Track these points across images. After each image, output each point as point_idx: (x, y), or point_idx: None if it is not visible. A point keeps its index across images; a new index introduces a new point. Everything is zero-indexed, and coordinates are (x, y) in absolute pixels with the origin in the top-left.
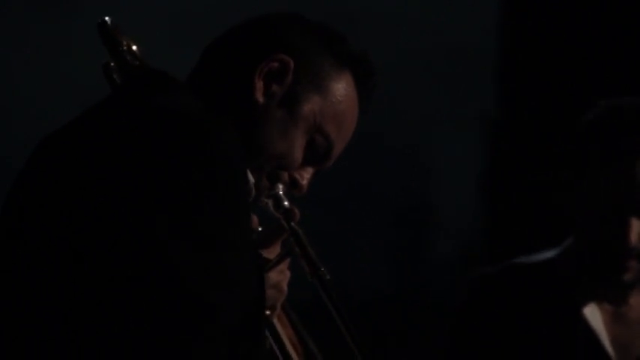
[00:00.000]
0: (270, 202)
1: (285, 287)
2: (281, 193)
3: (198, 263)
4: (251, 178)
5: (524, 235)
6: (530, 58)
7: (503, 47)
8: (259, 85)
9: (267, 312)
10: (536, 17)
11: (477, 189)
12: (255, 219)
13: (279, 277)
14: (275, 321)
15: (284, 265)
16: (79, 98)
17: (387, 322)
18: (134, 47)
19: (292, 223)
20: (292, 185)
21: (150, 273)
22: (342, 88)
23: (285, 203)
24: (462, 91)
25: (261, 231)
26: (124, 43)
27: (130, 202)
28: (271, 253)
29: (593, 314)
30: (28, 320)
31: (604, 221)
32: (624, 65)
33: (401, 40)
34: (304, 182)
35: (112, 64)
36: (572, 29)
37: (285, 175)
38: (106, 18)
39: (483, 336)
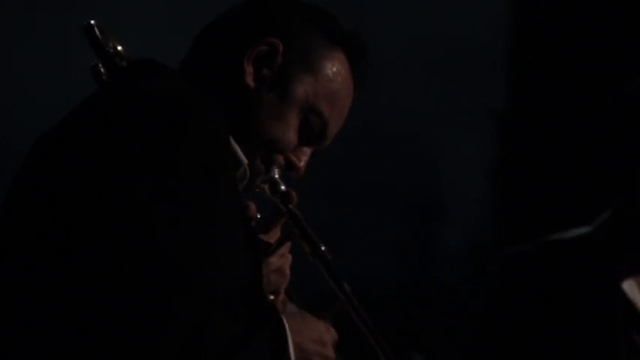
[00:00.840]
0: (266, 187)
1: (287, 271)
2: (277, 176)
3: (180, 235)
4: (244, 159)
5: (533, 227)
6: (539, 53)
7: (512, 42)
8: (249, 69)
9: (271, 297)
10: (546, 13)
11: (486, 182)
12: (252, 206)
13: (281, 261)
14: (280, 306)
15: (285, 249)
16: (83, 93)
17: (395, 316)
18: (120, 48)
19: (290, 206)
20: (289, 167)
21: (134, 245)
22: (334, 66)
23: (282, 187)
24: (472, 85)
25: (260, 217)
26: (111, 45)
27: (116, 182)
28: (271, 237)
29: (631, 288)
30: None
31: None
32: (635, 61)
33: (411, 35)
34: (301, 164)
35: (100, 65)
36: (582, 25)
37: (281, 158)
38: (92, 21)
39: (518, 315)
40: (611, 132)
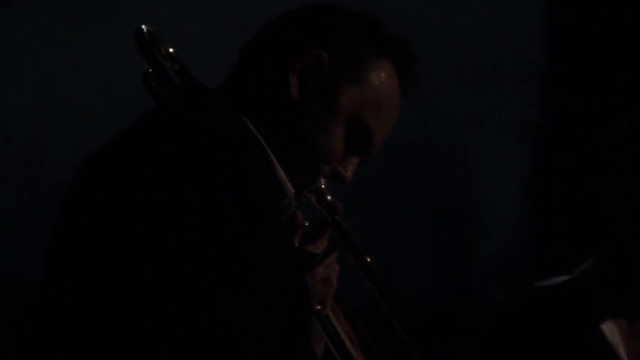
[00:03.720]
0: (312, 197)
1: (334, 281)
2: (323, 186)
3: (223, 280)
4: (291, 189)
5: (569, 237)
6: (575, 64)
7: (548, 52)
8: (294, 81)
9: (318, 307)
10: (582, 23)
11: (523, 192)
12: (300, 215)
13: (328, 271)
14: (330, 315)
15: (331, 259)
16: (119, 100)
17: (431, 326)
18: (171, 50)
19: (336, 217)
20: (335, 178)
21: (175, 285)
22: (380, 76)
23: (328, 197)
24: (509, 95)
25: (307, 226)
26: (162, 49)
27: (162, 219)
28: (318, 247)
29: (611, 331)
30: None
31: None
32: None
33: (449, 45)
34: (348, 174)
35: (151, 71)
36: (619, 35)
37: (327, 169)
38: (143, 26)
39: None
40: (597, 176)
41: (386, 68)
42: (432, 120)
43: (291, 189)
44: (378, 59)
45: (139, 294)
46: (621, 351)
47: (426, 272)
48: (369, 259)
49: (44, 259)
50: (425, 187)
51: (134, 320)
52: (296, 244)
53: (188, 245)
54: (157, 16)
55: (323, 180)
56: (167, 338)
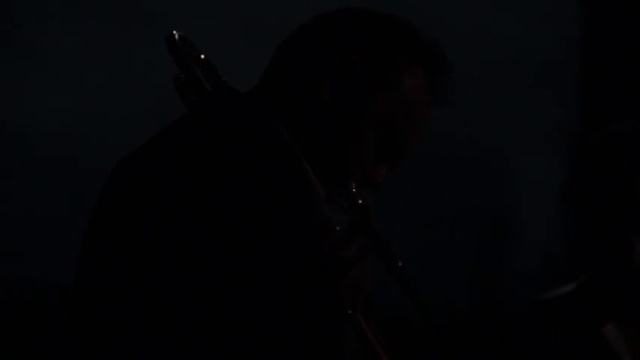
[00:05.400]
0: (343, 201)
1: (365, 285)
2: (354, 191)
3: (250, 284)
4: (321, 192)
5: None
6: (612, 74)
7: (585, 62)
8: (326, 85)
9: (349, 311)
10: (619, 33)
11: (560, 202)
12: (331, 219)
13: (359, 275)
14: (361, 319)
15: (363, 263)
16: (139, 106)
17: (464, 334)
18: (202, 56)
19: (367, 221)
20: (366, 183)
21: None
22: (412, 82)
23: (359, 201)
24: (545, 105)
25: (338, 231)
26: (195, 55)
27: (190, 223)
28: (349, 251)
29: (616, 339)
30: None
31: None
32: None
33: (484, 51)
34: (379, 179)
35: (182, 76)
36: None
37: (358, 173)
38: (174, 32)
39: None
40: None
41: (418, 73)
42: (467, 127)
43: (322, 193)
44: (411, 64)
45: (161, 295)
46: (628, 359)
47: (461, 283)
48: (400, 264)
49: (77, 262)
50: (460, 194)
51: (164, 321)
52: (327, 248)
53: (213, 249)
54: (184, 21)
55: (354, 184)
56: (205, 338)
